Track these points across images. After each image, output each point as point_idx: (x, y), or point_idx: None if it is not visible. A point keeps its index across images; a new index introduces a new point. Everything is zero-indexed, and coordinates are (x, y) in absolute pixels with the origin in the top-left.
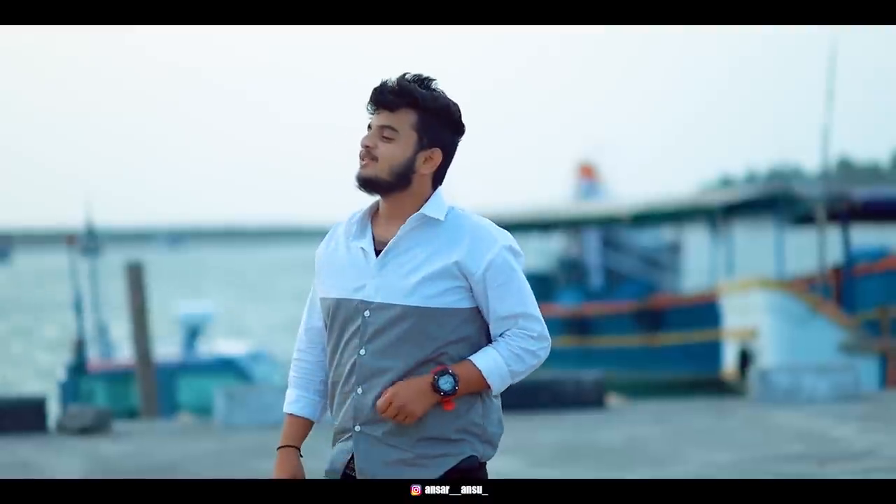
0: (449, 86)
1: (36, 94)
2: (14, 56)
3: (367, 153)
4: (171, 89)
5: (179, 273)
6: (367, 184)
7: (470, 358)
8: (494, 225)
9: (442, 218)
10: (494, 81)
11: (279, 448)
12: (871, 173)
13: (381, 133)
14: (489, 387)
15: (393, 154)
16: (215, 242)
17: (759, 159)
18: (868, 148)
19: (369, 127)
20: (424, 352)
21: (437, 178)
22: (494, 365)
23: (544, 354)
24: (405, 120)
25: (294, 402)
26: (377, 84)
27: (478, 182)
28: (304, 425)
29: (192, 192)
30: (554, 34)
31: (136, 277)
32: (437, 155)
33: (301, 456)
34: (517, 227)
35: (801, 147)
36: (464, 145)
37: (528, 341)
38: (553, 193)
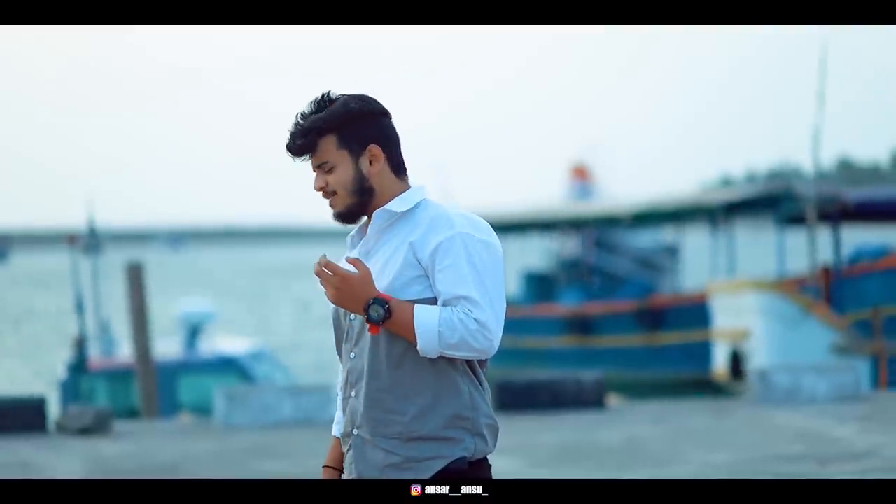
0: (449, 86)
1: (36, 93)
2: (14, 56)
3: (325, 193)
4: (171, 89)
5: (181, 274)
6: (344, 217)
7: (416, 305)
8: (468, 215)
9: (400, 210)
10: (494, 81)
11: (323, 467)
12: (872, 173)
13: (322, 170)
14: (415, 340)
15: (340, 180)
16: (215, 242)
17: (759, 159)
18: (868, 148)
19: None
20: (402, 345)
21: (394, 165)
22: (428, 319)
23: (483, 343)
24: (328, 147)
25: (336, 423)
26: (286, 142)
27: (478, 182)
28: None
29: (192, 192)
30: (554, 34)
31: (136, 277)
32: (376, 149)
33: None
34: (517, 227)
35: (801, 147)
36: (465, 145)
37: (469, 320)
38: (549, 194)
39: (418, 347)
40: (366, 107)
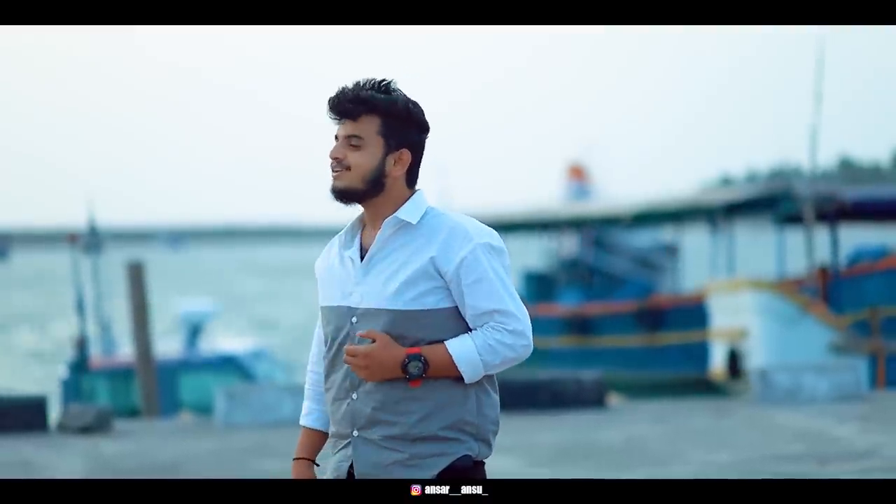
0: (448, 86)
1: (36, 93)
2: (14, 56)
3: (338, 164)
4: (171, 89)
5: (181, 274)
6: (342, 194)
7: (445, 342)
8: (476, 223)
9: (415, 221)
10: (493, 81)
11: (294, 459)
12: (873, 173)
13: (348, 142)
14: (461, 374)
15: (363, 162)
16: (215, 242)
17: (759, 159)
18: (869, 148)
19: (336, 137)
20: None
21: (411, 178)
22: (467, 353)
23: (523, 351)
24: (369, 126)
25: (307, 414)
26: (334, 93)
27: (477, 182)
28: (319, 437)
29: (193, 192)
30: (553, 34)
31: (136, 276)
32: (406, 155)
33: (317, 465)
34: (517, 227)
35: (801, 147)
36: (464, 145)
37: (505, 335)
38: (548, 194)
39: (466, 380)
40: (420, 116)
